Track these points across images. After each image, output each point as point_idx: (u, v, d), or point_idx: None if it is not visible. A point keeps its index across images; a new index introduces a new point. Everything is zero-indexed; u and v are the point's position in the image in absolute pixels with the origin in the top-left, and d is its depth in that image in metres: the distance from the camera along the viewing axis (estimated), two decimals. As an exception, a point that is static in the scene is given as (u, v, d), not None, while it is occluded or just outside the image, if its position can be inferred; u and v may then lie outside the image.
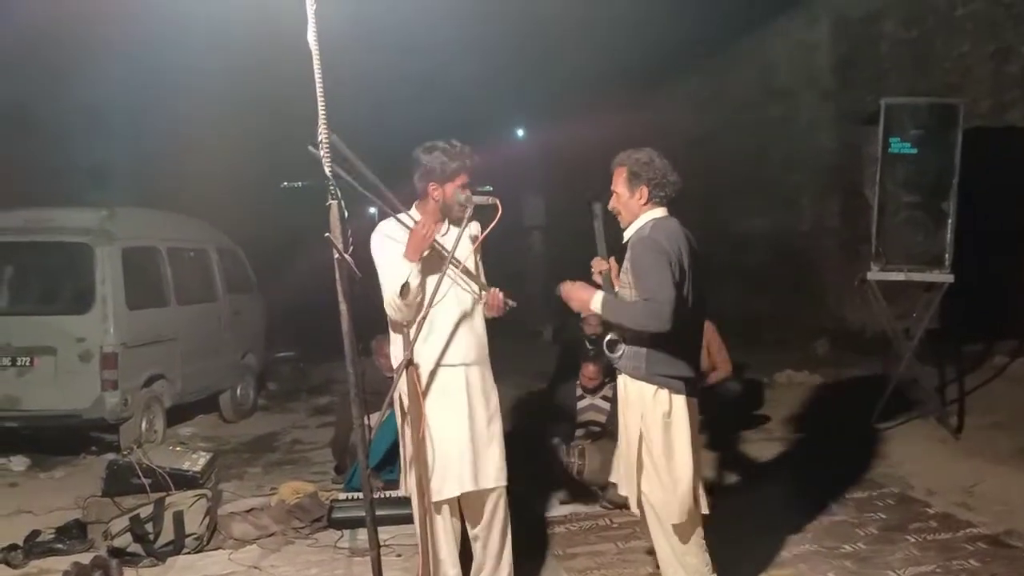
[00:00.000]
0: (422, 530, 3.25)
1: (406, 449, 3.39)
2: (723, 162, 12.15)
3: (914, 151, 6.08)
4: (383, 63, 11.48)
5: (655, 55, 11.66)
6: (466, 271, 3.39)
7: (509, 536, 3.56)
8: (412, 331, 3.23)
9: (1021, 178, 7.15)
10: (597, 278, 3.41)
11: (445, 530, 3.42)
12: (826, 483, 5.28)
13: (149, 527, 4.47)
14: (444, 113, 11.80)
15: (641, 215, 3.29)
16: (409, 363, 3.20)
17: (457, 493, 3.36)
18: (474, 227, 3.41)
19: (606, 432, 5.45)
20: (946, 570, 3.99)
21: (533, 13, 10.48)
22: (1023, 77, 7.76)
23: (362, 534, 4.48)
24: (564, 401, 5.87)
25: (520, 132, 19.76)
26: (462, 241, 3.28)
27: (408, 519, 3.64)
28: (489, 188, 3.42)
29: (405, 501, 3.67)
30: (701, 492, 3.30)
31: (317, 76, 2.72)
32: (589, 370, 5.72)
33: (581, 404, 5.82)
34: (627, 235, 3.31)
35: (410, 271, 3.20)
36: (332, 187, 2.78)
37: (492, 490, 3.44)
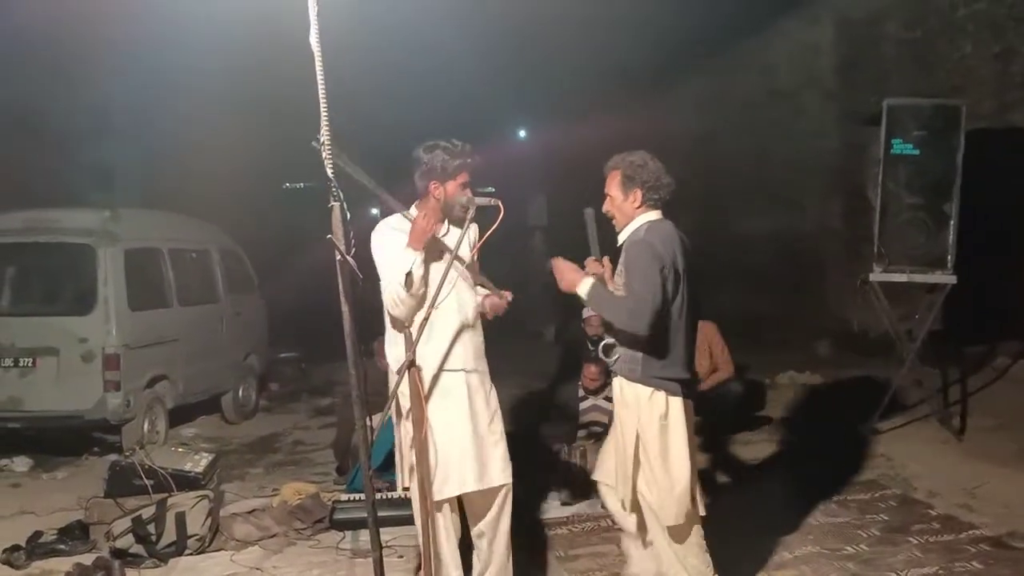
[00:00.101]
0: (424, 532, 3.25)
1: (403, 448, 3.39)
2: (725, 163, 12.15)
3: (916, 152, 6.07)
4: (384, 63, 11.49)
5: (657, 55, 11.66)
6: (467, 273, 3.38)
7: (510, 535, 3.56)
8: (414, 332, 3.22)
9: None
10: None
11: (447, 531, 3.42)
12: (828, 484, 5.27)
13: (151, 528, 4.47)
14: (445, 113, 11.83)
15: (635, 218, 3.28)
16: (411, 364, 3.19)
17: (457, 493, 3.35)
18: (473, 231, 3.39)
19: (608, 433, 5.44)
20: (948, 572, 3.99)
21: (535, 13, 10.48)
22: (1025, 78, 7.79)
23: (364, 535, 4.49)
24: (566, 402, 5.87)
25: (522, 132, 19.75)
26: (463, 243, 3.26)
27: (410, 520, 3.64)
28: (491, 189, 3.41)
29: (407, 502, 3.66)
30: (698, 493, 3.30)
31: (319, 79, 2.72)
32: (591, 371, 5.72)
33: (584, 405, 5.82)
34: (621, 238, 3.31)
35: (414, 260, 3.17)
36: (334, 189, 2.78)
37: (499, 488, 3.43)
